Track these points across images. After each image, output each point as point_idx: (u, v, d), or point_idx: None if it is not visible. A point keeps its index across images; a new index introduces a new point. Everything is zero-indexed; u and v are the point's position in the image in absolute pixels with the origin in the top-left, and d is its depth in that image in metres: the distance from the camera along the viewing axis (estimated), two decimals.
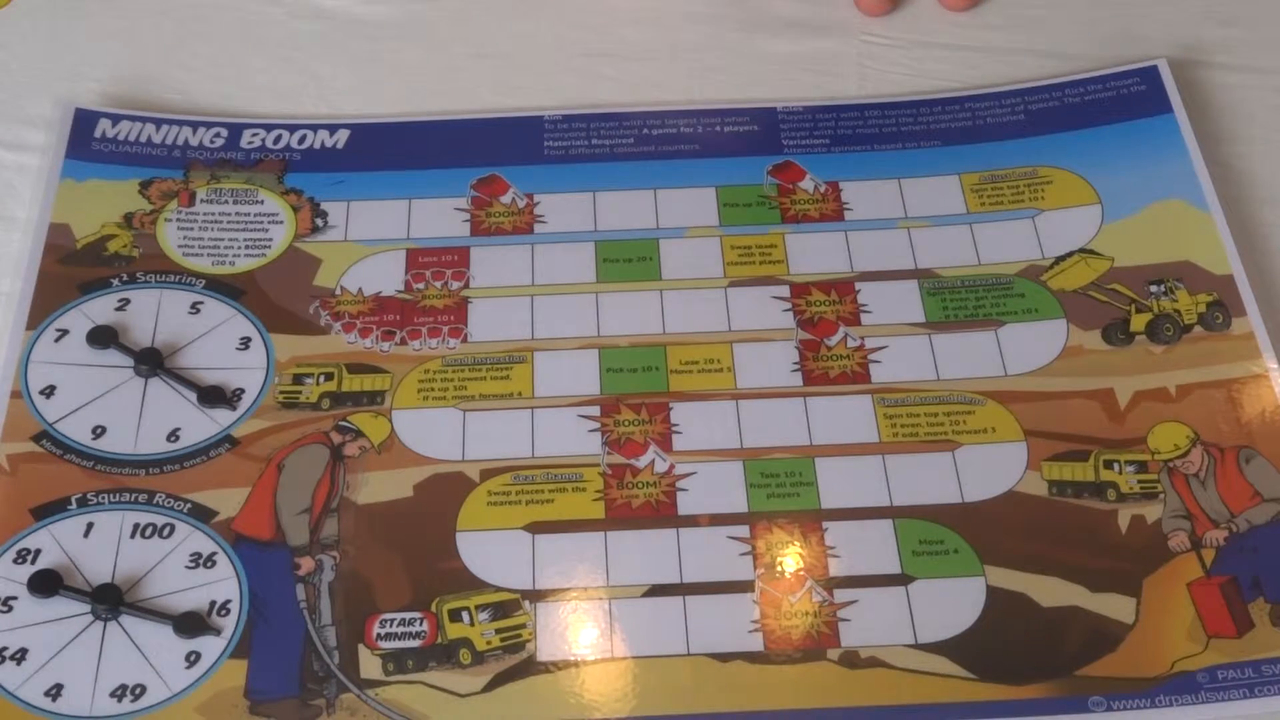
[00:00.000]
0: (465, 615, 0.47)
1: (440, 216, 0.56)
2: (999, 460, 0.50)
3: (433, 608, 0.47)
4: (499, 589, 0.47)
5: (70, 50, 0.61)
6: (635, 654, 0.46)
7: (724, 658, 0.46)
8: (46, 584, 0.46)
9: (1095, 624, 0.46)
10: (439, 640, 0.46)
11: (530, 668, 0.46)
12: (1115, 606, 0.47)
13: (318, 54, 0.61)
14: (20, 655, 0.45)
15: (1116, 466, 0.50)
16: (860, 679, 0.45)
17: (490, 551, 0.48)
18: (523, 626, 0.47)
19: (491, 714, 0.45)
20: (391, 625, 0.47)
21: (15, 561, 0.47)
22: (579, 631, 0.46)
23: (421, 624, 0.47)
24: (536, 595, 0.47)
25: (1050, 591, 0.47)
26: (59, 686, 0.45)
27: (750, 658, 0.46)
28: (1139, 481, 0.49)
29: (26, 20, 0.62)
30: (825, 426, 0.51)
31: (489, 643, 0.46)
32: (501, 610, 0.47)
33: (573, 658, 0.46)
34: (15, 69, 0.60)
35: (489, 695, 0.45)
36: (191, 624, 0.46)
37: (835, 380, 0.52)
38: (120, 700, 0.45)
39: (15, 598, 0.46)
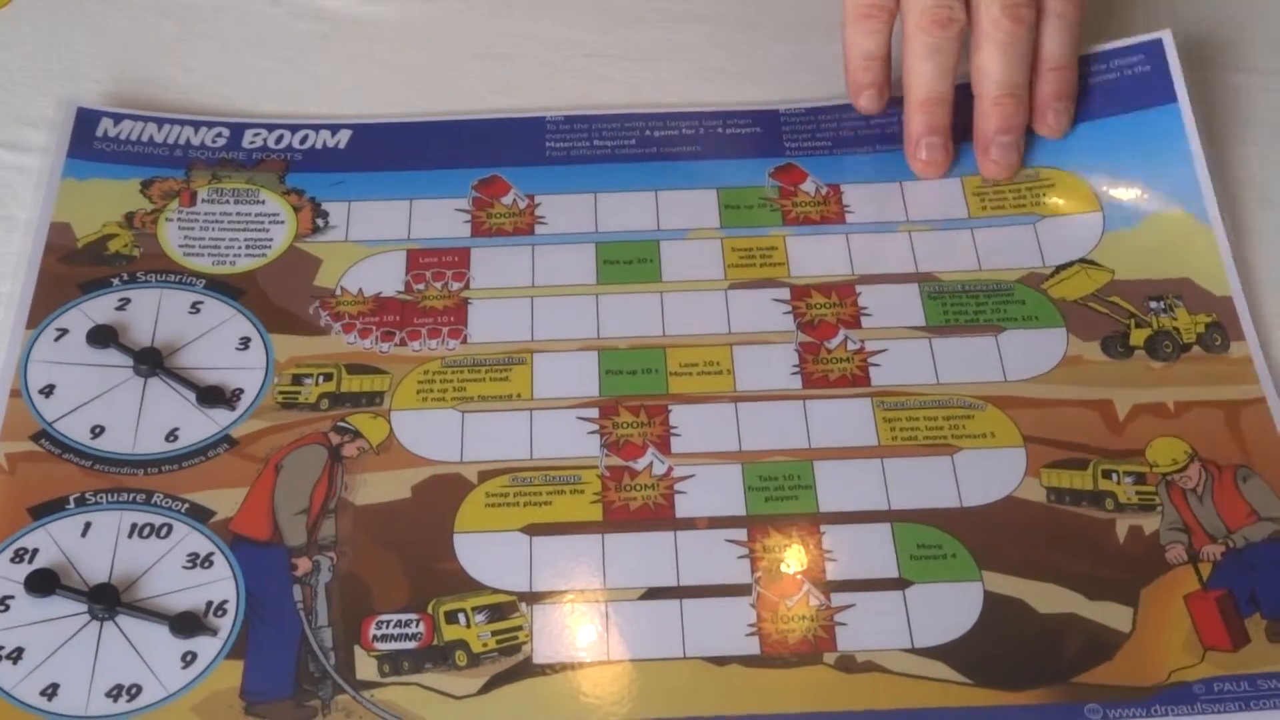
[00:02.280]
0: (462, 617, 0.47)
1: (441, 217, 0.56)
2: (998, 466, 0.49)
3: (429, 609, 0.47)
4: (496, 591, 0.47)
5: (70, 50, 0.61)
6: (632, 657, 0.46)
7: (721, 661, 0.46)
8: (43, 583, 0.46)
9: (1092, 631, 0.46)
10: (435, 642, 0.46)
11: (526, 670, 0.46)
12: (1112, 615, 0.46)
13: (318, 54, 0.61)
14: (16, 654, 0.45)
15: (1115, 476, 0.49)
16: (856, 683, 0.45)
17: (487, 553, 0.48)
18: (519, 629, 0.46)
19: (487, 716, 0.45)
20: (388, 626, 0.46)
21: (13, 560, 0.47)
22: (576, 634, 0.46)
23: (418, 625, 0.46)
24: (533, 597, 0.47)
25: (1047, 598, 0.47)
26: (55, 686, 0.45)
27: (747, 661, 0.46)
28: (1137, 493, 0.49)
29: (26, 20, 0.62)
30: (824, 429, 0.50)
31: (485, 645, 0.46)
32: (498, 612, 0.47)
33: (569, 660, 0.46)
34: (15, 69, 0.60)
35: (485, 697, 0.45)
36: (188, 624, 0.46)
37: (835, 383, 0.52)
38: (116, 700, 0.45)
39: (12, 597, 0.46)
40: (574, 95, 0.60)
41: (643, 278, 0.55)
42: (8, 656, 0.45)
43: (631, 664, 0.46)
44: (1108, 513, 0.49)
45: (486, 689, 0.45)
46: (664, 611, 0.47)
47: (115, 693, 0.45)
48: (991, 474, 0.49)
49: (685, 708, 0.45)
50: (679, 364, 0.52)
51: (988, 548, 0.48)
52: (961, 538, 0.48)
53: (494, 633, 0.47)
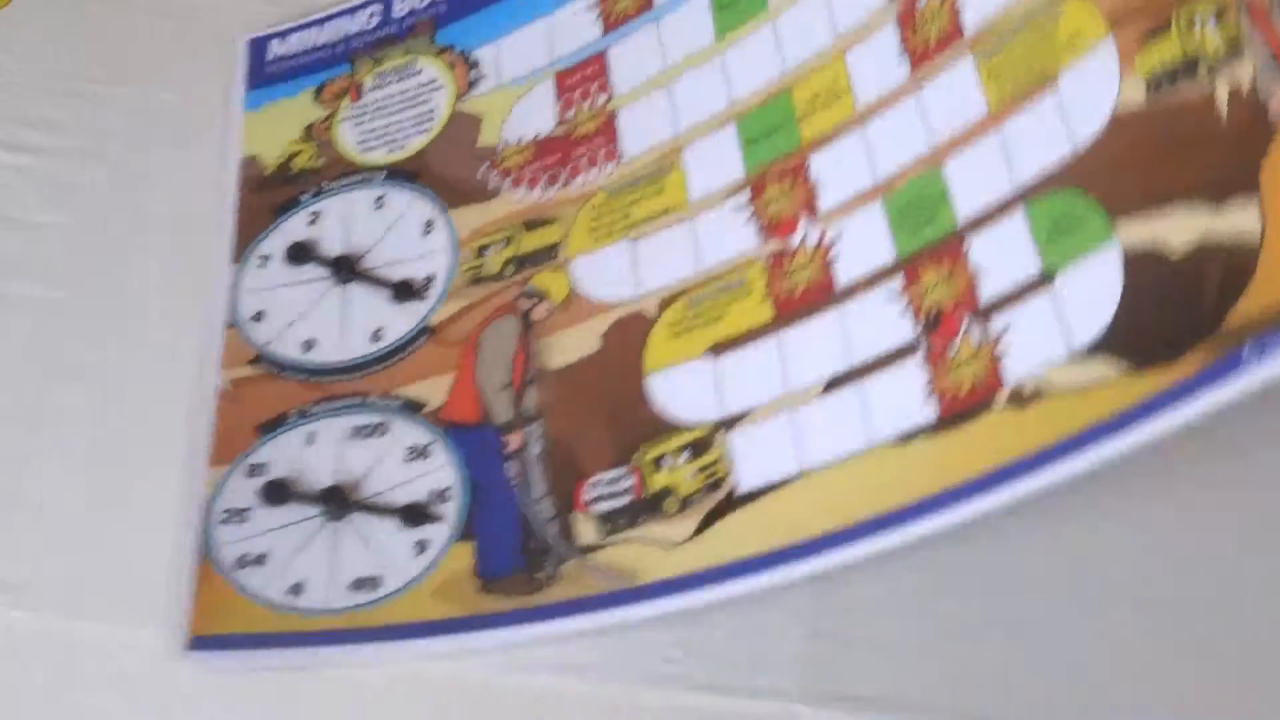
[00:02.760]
0: (666, 462, 0.44)
1: (574, 24, 0.53)
2: (1094, 77, 0.42)
3: (635, 461, 0.44)
4: (692, 426, 0.44)
5: (71, 50, 0.60)
6: (826, 460, 0.42)
7: (906, 439, 0.41)
8: (277, 493, 0.47)
9: (1226, 252, 0.38)
10: (645, 493, 0.44)
11: (733, 502, 0.43)
12: (1240, 218, 0.38)
13: None
14: (260, 559, 0.46)
15: (1197, 23, 0.40)
16: (1032, 419, 0.39)
17: (679, 388, 0.45)
18: (718, 461, 0.43)
19: (704, 556, 0.42)
20: (600, 487, 0.45)
21: (247, 476, 0.48)
22: (771, 451, 0.43)
23: (628, 479, 0.44)
24: (727, 424, 0.44)
25: (1177, 229, 0.39)
26: (300, 584, 0.46)
27: (930, 431, 0.41)
28: (1222, 35, 0.39)
29: (27, 20, 0.61)
30: (939, 115, 0.45)
31: (691, 485, 0.43)
32: (698, 448, 0.44)
33: (769, 482, 0.42)
34: (15, 69, 0.59)
35: (699, 539, 0.43)
36: (416, 514, 0.46)
37: (936, 47, 0.45)
38: (358, 591, 0.45)
39: (249, 508, 0.47)
40: None
41: (751, 10, 0.50)
42: (253, 561, 0.46)
43: (827, 469, 0.42)
44: (1203, 82, 0.40)
45: (700, 530, 0.43)
46: (846, 401, 0.43)
47: (357, 585, 0.45)
48: (1091, 91, 0.42)
49: (885, 501, 0.40)
50: (804, 102, 0.48)
51: (1111, 190, 0.41)
52: (1085, 185, 0.41)
53: (698, 469, 0.44)
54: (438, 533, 0.46)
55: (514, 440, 0.47)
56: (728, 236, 0.47)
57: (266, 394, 0.50)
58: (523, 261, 0.49)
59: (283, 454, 0.48)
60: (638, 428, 0.45)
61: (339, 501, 0.47)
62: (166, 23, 0.60)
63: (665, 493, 0.44)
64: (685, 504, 0.43)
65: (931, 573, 0.42)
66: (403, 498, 0.46)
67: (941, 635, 0.42)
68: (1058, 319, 0.41)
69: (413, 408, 0.48)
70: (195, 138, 0.57)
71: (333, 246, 0.52)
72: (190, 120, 0.57)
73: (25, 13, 0.61)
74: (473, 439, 0.47)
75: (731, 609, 0.42)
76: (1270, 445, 0.40)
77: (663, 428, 0.45)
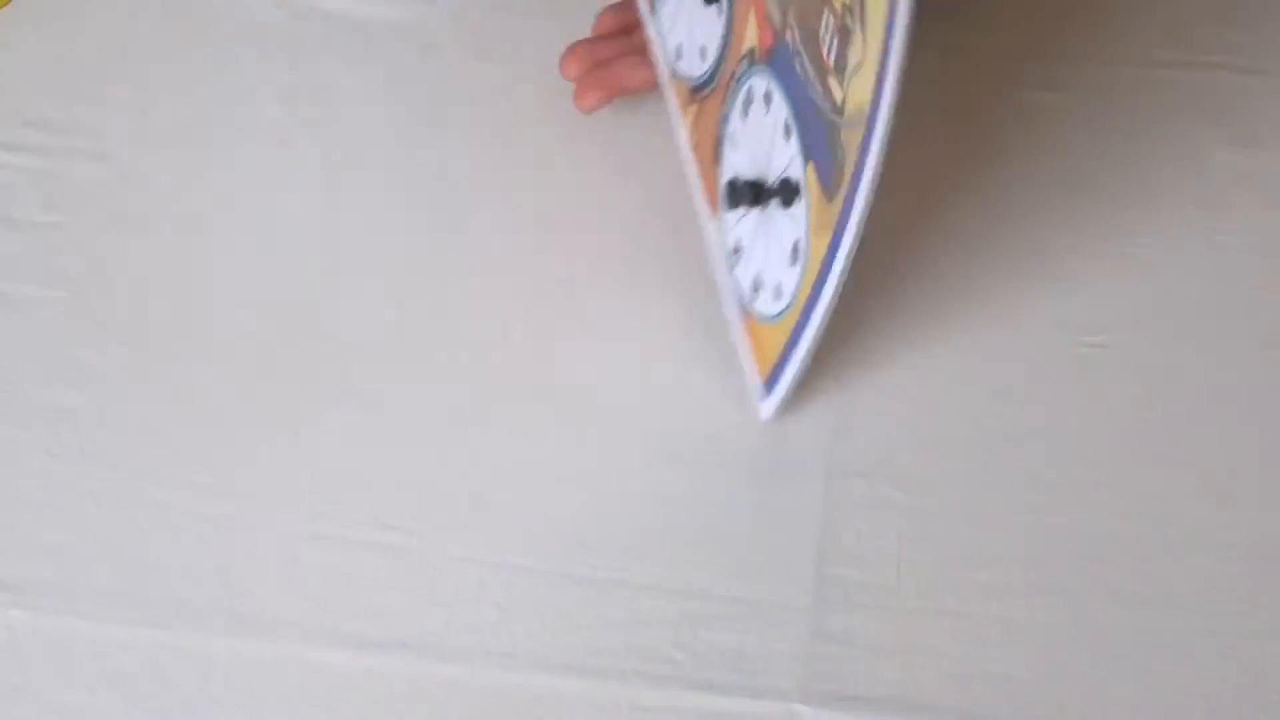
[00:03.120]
0: None
1: None
2: None
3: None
4: None
5: (70, 51, 0.59)
6: None
7: None
8: (737, 197, 0.47)
9: None
10: (838, 21, 0.40)
11: None
12: None
13: (318, 55, 0.55)
14: (758, 281, 0.47)
15: None
16: None
17: None
18: None
19: (874, 50, 0.38)
20: (826, 40, 0.41)
21: (727, 210, 0.48)
22: None
23: (830, 18, 0.41)
24: None
25: None
26: (779, 286, 0.46)
27: None
28: None
29: (27, 21, 0.60)
30: None
31: None
32: None
33: None
34: (15, 69, 0.59)
35: (868, 41, 0.38)
36: (788, 189, 0.44)
37: None
38: (794, 264, 0.44)
39: (739, 238, 0.48)
40: None
41: None
42: (756, 286, 0.47)
43: None
44: None
45: (864, 31, 0.38)
46: None
47: (792, 258, 0.45)
48: None
49: None
50: None
51: None
52: None
53: None
54: (798, 173, 0.44)
55: (790, 36, 0.43)
56: None
57: (707, 122, 0.51)
58: None
59: (727, 168, 0.49)
60: None
61: (754, 192, 0.47)
62: (166, 23, 0.60)
63: (846, 11, 0.40)
64: (853, 11, 0.39)
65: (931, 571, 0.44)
66: (776, 160, 0.45)
67: (941, 635, 0.43)
68: None
69: (752, 58, 0.47)
70: None
71: None
72: None
73: (25, 13, 0.61)
74: (778, 61, 0.45)
75: (733, 608, 0.43)
76: None
77: None
